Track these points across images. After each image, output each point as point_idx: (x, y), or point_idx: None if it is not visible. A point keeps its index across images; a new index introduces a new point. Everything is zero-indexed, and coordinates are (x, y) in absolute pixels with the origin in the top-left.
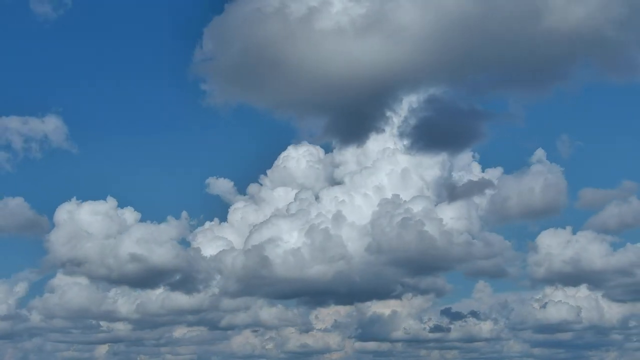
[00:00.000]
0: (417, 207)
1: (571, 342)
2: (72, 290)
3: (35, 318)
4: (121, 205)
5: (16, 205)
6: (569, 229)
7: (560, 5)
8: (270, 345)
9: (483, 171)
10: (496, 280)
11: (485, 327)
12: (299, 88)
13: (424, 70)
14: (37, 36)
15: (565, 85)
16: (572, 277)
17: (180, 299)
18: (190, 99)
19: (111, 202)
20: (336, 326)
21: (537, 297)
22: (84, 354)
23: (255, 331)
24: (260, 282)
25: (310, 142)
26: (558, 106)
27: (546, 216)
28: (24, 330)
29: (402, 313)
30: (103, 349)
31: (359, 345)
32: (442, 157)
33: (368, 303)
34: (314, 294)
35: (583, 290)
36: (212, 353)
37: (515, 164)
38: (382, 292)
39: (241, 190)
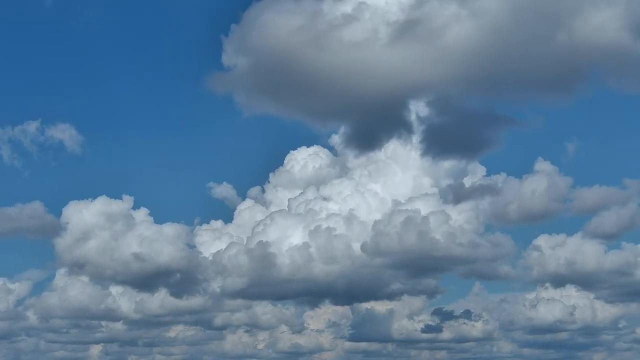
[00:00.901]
0: (421, 209)
1: (563, 343)
2: (71, 290)
3: (31, 318)
4: (129, 206)
5: (33, 209)
6: (567, 232)
7: (585, 14)
8: (261, 345)
9: (493, 175)
10: (494, 282)
11: (480, 328)
12: (317, 94)
13: (447, 78)
14: (59, 45)
15: (586, 93)
16: (569, 279)
17: (179, 299)
18: (209, 106)
19: (118, 202)
20: (329, 326)
21: (532, 298)
22: (77, 354)
23: (248, 331)
24: (259, 283)
25: (323, 146)
26: (577, 114)
27: (548, 220)
28: (21, 330)
29: (397, 313)
30: (97, 349)
31: (350, 345)
32: (456, 161)
33: (364, 304)
34: (311, 294)
35: (578, 292)
36: (203, 353)
37: (525, 169)
38: (378, 293)
39: (250, 192)
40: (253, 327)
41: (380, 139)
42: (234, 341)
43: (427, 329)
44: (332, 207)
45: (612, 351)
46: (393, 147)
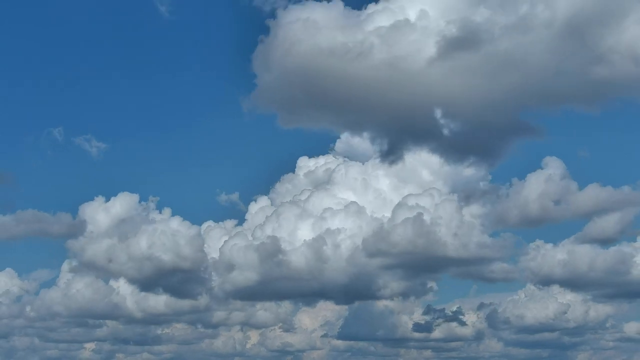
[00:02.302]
0: (423, 212)
1: (552, 342)
2: (71, 289)
3: (29, 315)
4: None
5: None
6: (563, 235)
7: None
8: (251, 344)
9: (502, 181)
10: (488, 283)
11: (471, 328)
12: (346, 106)
13: (481, 89)
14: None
15: (613, 105)
16: (561, 280)
17: (181, 299)
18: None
19: (130, 203)
20: (322, 324)
21: (524, 299)
22: (69, 352)
23: (241, 329)
24: (258, 281)
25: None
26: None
27: (547, 223)
28: (17, 328)
29: (390, 312)
30: (91, 347)
31: (340, 343)
32: (470, 167)
33: (359, 302)
34: (308, 293)
35: (569, 293)
36: (192, 352)
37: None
38: (373, 292)
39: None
40: (247, 325)
41: (402, 147)
42: (225, 340)
43: (419, 328)
44: (338, 207)
45: (598, 350)
46: (413, 154)
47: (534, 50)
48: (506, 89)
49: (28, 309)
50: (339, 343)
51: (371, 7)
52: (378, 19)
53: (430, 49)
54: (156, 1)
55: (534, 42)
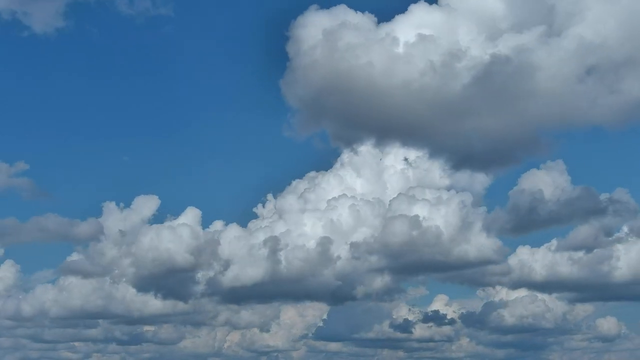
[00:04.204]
0: (416, 215)
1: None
2: (65, 290)
3: (15, 317)
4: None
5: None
6: (547, 239)
7: None
8: (227, 345)
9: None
10: (471, 285)
11: (450, 329)
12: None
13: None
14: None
15: None
16: (544, 285)
17: (179, 301)
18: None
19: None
20: (304, 325)
21: (506, 301)
22: (49, 353)
23: (222, 330)
24: (253, 283)
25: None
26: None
27: (533, 230)
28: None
29: (371, 313)
30: (75, 347)
31: (318, 344)
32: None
33: (344, 303)
34: (295, 294)
35: (550, 296)
36: (171, 352)
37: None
38: (357, 293)
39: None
40: (229, 325)
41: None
42: (207, 340)
43: (399, 328)
44: (335, 209)
45: (575, 350)
46: (420, 160)
47: (562, 75)
48: (526, 109)
49: (15, 309)
50: (317, 344)
51: (400, 19)
52: (405, 34)
53: (462, 72)
54: None
55: (563, 67)
